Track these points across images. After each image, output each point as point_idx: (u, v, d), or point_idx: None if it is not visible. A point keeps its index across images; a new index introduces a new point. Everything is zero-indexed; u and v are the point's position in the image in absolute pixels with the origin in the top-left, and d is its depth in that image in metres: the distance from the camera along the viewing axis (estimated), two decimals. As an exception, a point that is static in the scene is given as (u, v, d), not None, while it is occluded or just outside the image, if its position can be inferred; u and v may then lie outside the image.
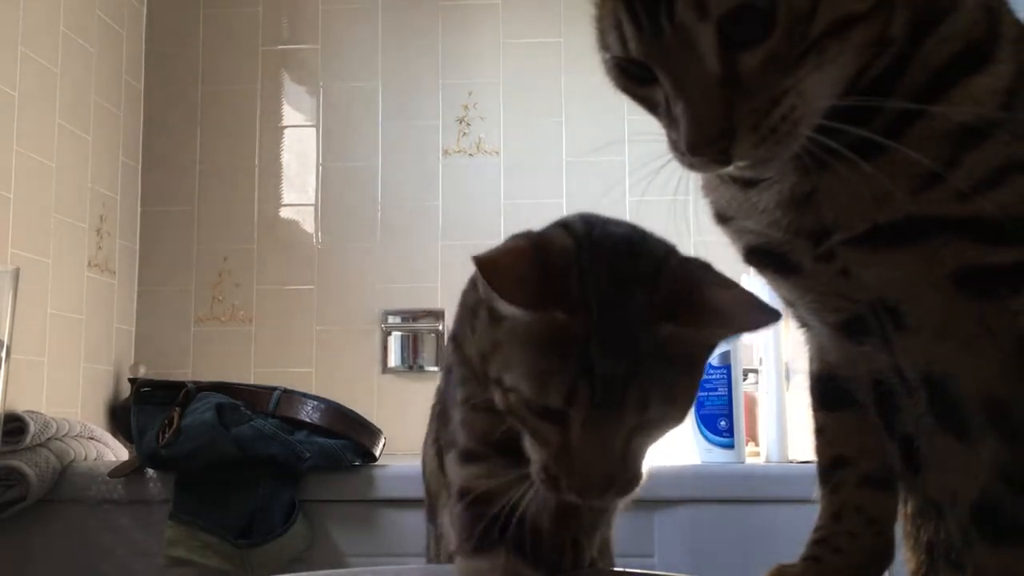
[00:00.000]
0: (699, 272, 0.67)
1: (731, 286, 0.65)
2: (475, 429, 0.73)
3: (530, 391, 0.64)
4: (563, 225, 0.69)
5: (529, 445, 0.67)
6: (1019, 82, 0.57)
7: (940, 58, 0.58)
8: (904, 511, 0.74)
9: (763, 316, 0.63)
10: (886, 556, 0.72)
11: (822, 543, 0.72)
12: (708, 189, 0.70)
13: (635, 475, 0.67)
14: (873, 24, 0.55)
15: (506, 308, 0.64)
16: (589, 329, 0.63)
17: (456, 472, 0.74)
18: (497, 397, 0.67)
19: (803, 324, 0.74)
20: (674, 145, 0.57)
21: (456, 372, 0.76)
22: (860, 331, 0.64)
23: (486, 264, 0.63)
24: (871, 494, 0.71)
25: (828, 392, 0.73)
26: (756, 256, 0.68)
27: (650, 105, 0.60)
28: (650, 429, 0.66)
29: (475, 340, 0.70)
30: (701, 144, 0.54)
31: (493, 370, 0.67)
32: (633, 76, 0.58)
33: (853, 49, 0.55)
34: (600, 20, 0.59)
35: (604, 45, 0.60)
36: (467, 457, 0.74)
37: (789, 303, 0.71)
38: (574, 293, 0.64)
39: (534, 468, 0.67)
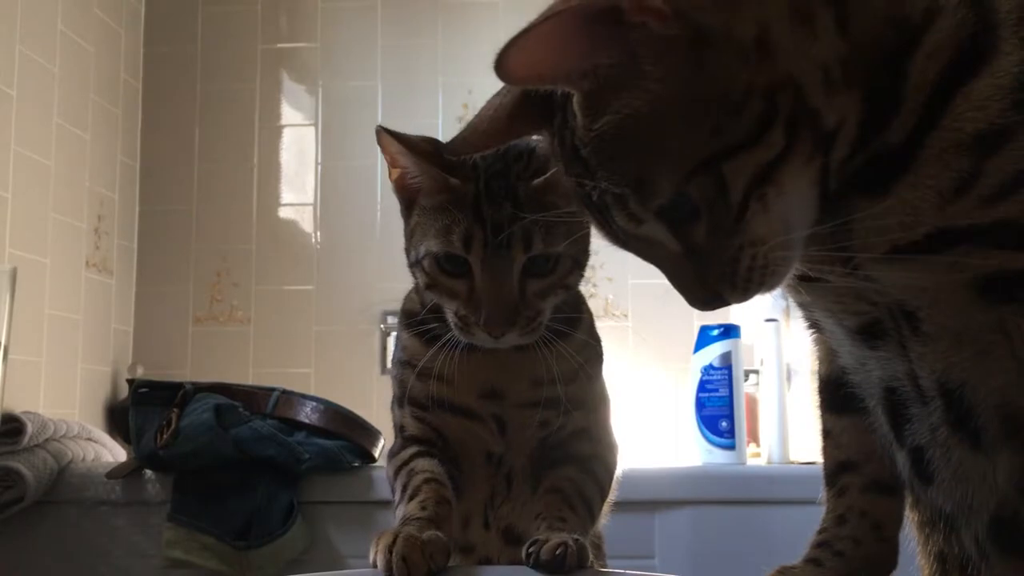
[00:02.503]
0: None
1: None
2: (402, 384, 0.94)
3: (438, 245, 0.82)
4: None
5: (447, 310, 0.85)
6: None
7: (932, 73, 0.55)
8: (913, 518, 0.73)
9: None
10: (889, 562, 0.71)
11: (824, 546, 0.72)
12: None
13: (536, 314, 0.83)
14: (802, 148, 0.54)
15: (412, 170, 0.84)
16: (479, 189, 0.82)
17: (396, 414, 0.96)
18: (420, 279, 0.86)
19: (814, 327, 0.73)
20: None
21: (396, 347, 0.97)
22: (876, 335, 0.64)
23: (392, 132, 0.84)
24: (877, 499, 0.71)
25: (837, 396, 0.72)
26: None
27: None
28: (540, 273, 0.83)
29: (405, 241, 0.89)
30: (698, 305, 0.59)
31: (413, 256, 0.87)
32: None
33: (796, 176, 0.55)
34: None
35: None
36: (400, 403, 0.95)
37: (804, 306, 0.70)
38: (466, 166, 0.84)
39: (451, 320, 0.85)
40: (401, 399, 0.94)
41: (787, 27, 0.53)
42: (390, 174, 0.89)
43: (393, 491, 0.89)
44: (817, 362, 0.76)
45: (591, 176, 0.57)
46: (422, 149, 0.85)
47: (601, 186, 0.57)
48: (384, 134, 0.85)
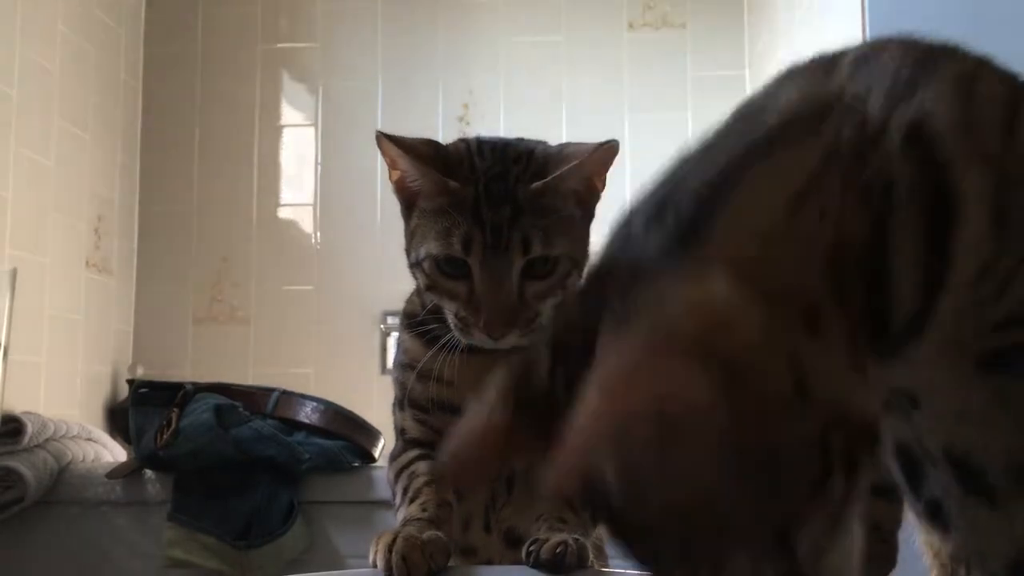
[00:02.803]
0: (561, 144, 0.89)
1: (584, 143, 0.88)
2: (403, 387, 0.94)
3: (437, 247, 0.83)
4: (458, 140, 0.92)
5: (447, 311, 0.85)
6: (1002, 195, 0.51)
7: (915, 255, 0.51)
8: (928, 546, 0.72)
9: (602, 149, 0.86)
10: (888, 562, 0.71)
11: (824, 547, 0.71)
12: None
13: (535, 315, 0.84)
14: (862, 478, 0.49)
15: (412, 173, 0.85)
16: (478, 192, 0.83)
17: (397, 416, 0.96)
18: (420, 280, 0.87)
19: None
20: None
21: (398, 351, 0.96)
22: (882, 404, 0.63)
23: (391, 136, 0.86)
24: (875, 500, 0.71)
25: None
26: None
27: None
28: (539, 275, 0.84)
29: (406, 243, 0.90)
30: None
31: (413, 257, 0.87)
32: None
33: (856, 498, 0.50)
34: None
35: None
36: (401, 406, 0.94)
37: None
38: (465, 169, 0.85)
39: (451, 321, 0.85)
40: (402, 401, 0.94)
41: (810, 350, 0.48)
42: (390, 176, 0.89)
43: (394, 494, 0.89)
44: None
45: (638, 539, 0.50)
46: (421, 152, 0.86)
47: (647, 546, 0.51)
48: (383, 139, 0.86)
